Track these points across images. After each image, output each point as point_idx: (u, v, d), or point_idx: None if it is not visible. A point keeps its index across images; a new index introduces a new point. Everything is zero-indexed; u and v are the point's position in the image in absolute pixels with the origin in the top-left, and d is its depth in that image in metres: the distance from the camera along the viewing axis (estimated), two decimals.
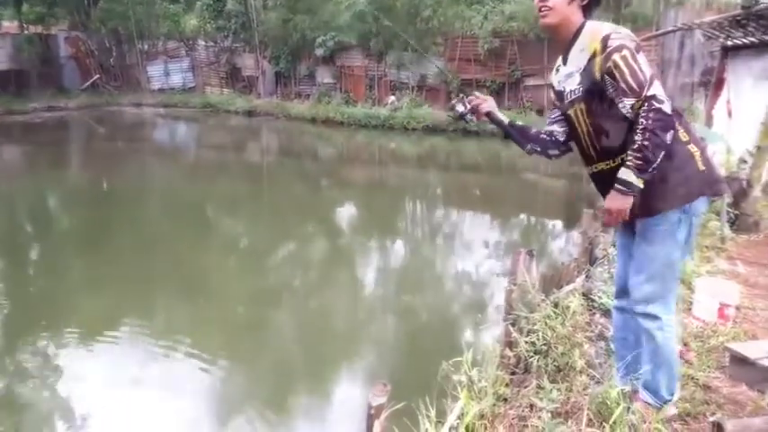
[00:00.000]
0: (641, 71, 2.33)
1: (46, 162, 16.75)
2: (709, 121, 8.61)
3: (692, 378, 3.37)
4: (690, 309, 4.17)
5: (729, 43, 8.46)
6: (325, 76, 23.92)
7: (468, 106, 2.95)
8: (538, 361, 3.36)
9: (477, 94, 3.00)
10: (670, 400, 2.82)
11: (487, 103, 2.97)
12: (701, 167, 2.46)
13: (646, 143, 2.30)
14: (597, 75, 2.44)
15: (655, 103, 2.30)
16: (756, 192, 6.37)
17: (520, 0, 19.62)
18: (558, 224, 10.33)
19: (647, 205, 2.51)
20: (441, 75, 20.95)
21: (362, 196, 13.28)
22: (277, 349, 6.11)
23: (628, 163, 2.36)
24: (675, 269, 2.68)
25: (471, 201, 12.76)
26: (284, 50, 24.28)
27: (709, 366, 3.48)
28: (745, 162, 6.56)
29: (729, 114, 8.42)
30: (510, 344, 3.53)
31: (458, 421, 2.72)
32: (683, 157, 2.45)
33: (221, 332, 6.37)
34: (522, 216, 11.16)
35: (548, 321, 3.62)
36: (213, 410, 4.97)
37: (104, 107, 25.97)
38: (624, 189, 2.39)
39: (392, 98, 21.80)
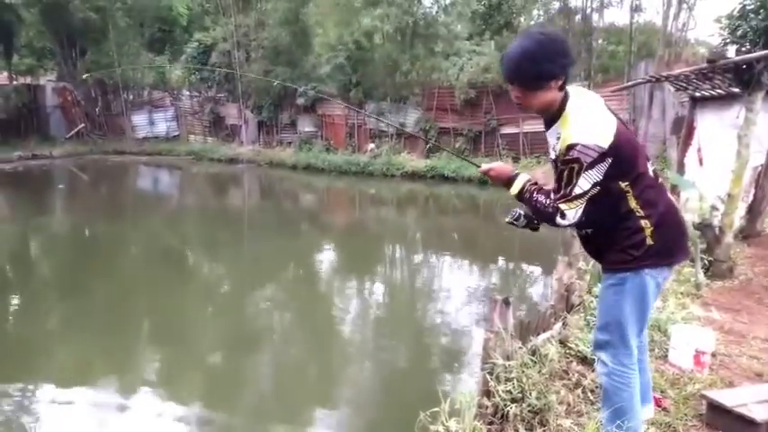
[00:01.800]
0: (574, 186, 2.47)
1: (27, 209, 16.46)
2: (681, 168, 8.73)
3: (670, 426, 3.29)
4: (666, 356, 4.11)
5: (698, 94, 8.66)
6: (306, 125, 24.11)
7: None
8: (514, 408, 3.26)
9: None
10: None
11: None
12: (650, 242, 2.58)
13: (537, 206, 2.63)
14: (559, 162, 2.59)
15: (558, 212, 2.54)
16: (729, 238, 6.41)
17: (494, 53, 20.10)
18: (537, 270, 10.30)
19: (604, 262, 2.77)
20: (419, 122, 21.24)
21: (342, 240, 13.19)
22: (253, 397, 5.90)
23: (530, 187, 2.65)
24: (624, 326, 2.70)
25: (449, 245, 12.73)
26: (267, 100, 24.48)
27: (686, 414, 3.41)
28: (716, 209, 6.61)
29: (701, 162, 8.56)
30: (488, 393, 3.42)
31: None
32: (634, 229, 2.59)
33: (197, 380, 6.19)
34: (501, 261, 11.13)
35: (524, 369, 3.54)
36: None
37: (88, 155, 25.80)
38: (508, 183, 2.73)
39: (372, 145, 21.98)
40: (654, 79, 8.63)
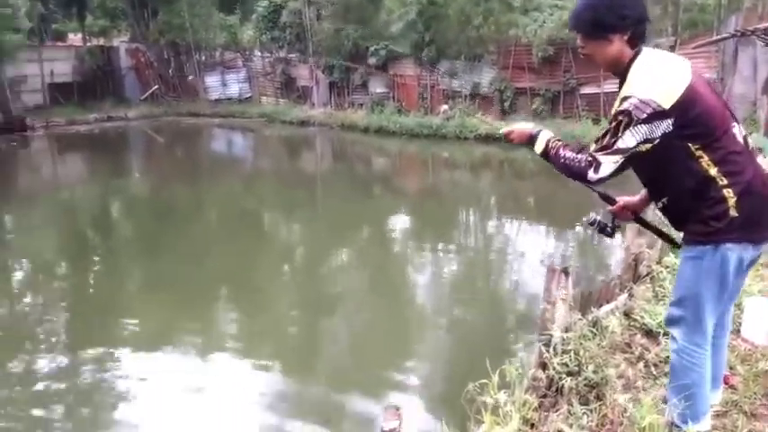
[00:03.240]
0: (618, 140, 2.40)
1: (107, 170, 17.52)
2: None
3: (736, 404, 3.24)
4: (738, 330, 4.01)
5: None
6: (377, 86, 24.12)
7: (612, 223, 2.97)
8: (569, 382, 3.30)
9: (622, 199, 3.01)
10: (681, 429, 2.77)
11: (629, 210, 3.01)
12: (733, 213, 2.44)
13: (565, 161, 2.57)
14: None
15: (592, 163, 2.46)
16: None
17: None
18: (617, 239, 10.07)
19: (684, 232, 2.67)
20: (494, 82, 20.81)
21: (415, 204, 13.34)
22: (328, 358, 6.25)
23: (555, 143, 2.62)
24: (700, 303, 2.63)
25: (525, 210, 12.62)
26: (338, 60, 24.63)
27: (755, 393, 3.34)
28: None
29: None
30: (543, 365, 3.48)
31: None
32: (715, 198, 2.46)
33: (274, 341, 6.58)
34: (578, 228, 10.93)
35: (583, 341, 3.57)
36: (266, 419, 5.06)
37: (163, 117, 26.94)
38: (531, 141, 2.72)
39: (445, 107, 21.76)
40: (740, 34, 8.10)
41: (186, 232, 10.74)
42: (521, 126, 2.83)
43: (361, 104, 24.35)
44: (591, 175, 2.47)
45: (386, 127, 21.80)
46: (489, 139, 19.51)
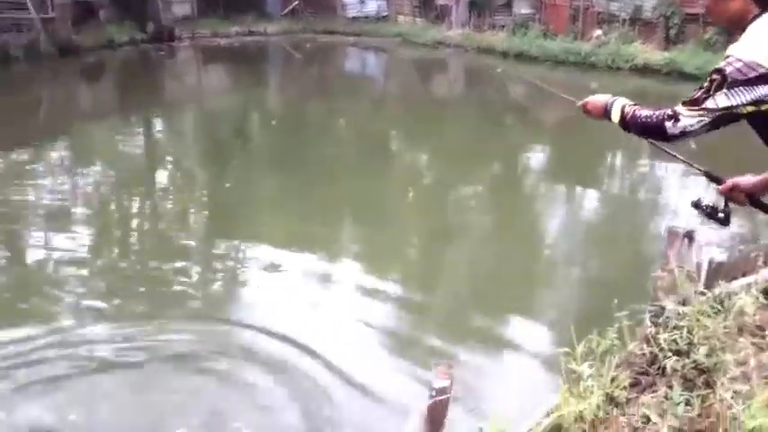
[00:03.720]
0: (708, 98, 2.11)
1: (246, 83, 18.28)
2: None
3: None
4: None
5: None
6: (523, 6, 22.86)
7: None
8: (675, 362, 2.95)
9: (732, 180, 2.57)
10: None
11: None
12: None
13: (642, 120, 2.28)
14: None
15: (672, 116, 2.19)
16: None
17: None
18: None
19: None
20: (660, 6, 18.89)
21: (553, 138, 12.77)
22: (449, 283, 6.27)
23: (630, 108, 2.33)
24: None
25: (680, 154, 11.55)
26: None
27: None
28: None
29: None
30: (647, 339, 3.13)
31: (547, 420, 2.49)
32: None
33: (395, 260, 6.70)
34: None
35: (700, 318, 3.16)
36: (384, 338, 5.09)
37: (300, 34, 27.44)
38: (606, 112, 2.41)
39: (598, 32, 20.19)
40: None
41: (316, 148, 11.02)
42: (595, 96, 2.52)
43: (503, 26, 23.22)
44: (669, 127, 2.18)
45: (527, 52, 20.69)
46: (646, 70, 18.00)
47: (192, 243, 7.18)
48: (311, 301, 5.66)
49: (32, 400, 4.00)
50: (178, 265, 6.32)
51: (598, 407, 2.62)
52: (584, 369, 2.73)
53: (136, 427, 3.89)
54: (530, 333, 5.19)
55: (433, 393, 2.25)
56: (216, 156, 10.86)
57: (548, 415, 2.54)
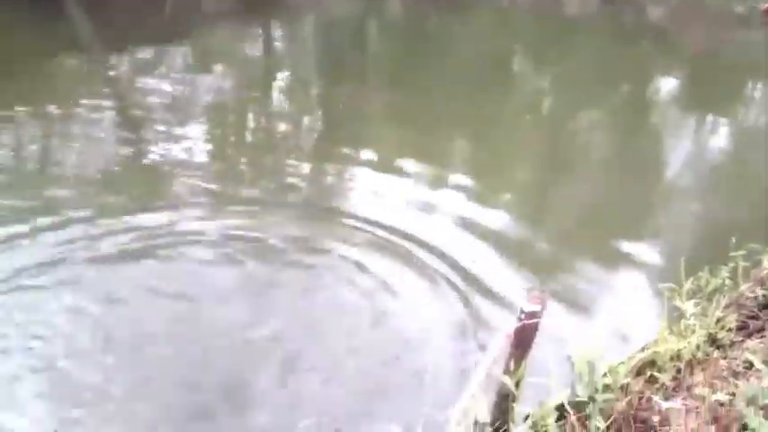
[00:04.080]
0: None
1: None
2: None
3: None
4: None
5: None
6: None
7: None
8: None
9: None
10: None
11: None
12: None
13: None
14: None
15: None
16: None
17: None
18: None
19: None
20: None
21: (691, 67, 11.89)
22: (561, 213, 6.10)
23: None
24: None
25: None
26: None
27: None
28: None
29: None
30: (762, 281, 2.99)
31: (640, 354, 2.47)
32: None
33: (505, 184, 6.63)
34: None
35: None
36: (496, 245, 5.10)
37: None
38: None
39: None
40: None
41: (434, 62, 10.80)
42: None
43: None
44: None
45: None
46: None
47: (308, 143, 7.51)
48: (424, 202, 5.79)
49: (178, 274, 4.39)
50: (292, 161, 6.64)
51: (698, 347, 2.56)
52: (689, 307, 2.65)
53: (259, 299, 4.19)
54: (637, 264, 5.04)
55: (522, 317, 2.28)
56: (334, 64, 10.93)
57: (642, 350, 2.51)
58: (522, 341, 2.32)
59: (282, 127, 8.14)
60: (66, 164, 6.20)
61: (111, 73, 9.26)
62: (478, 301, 4.26)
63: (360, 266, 4.60)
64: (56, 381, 3.32)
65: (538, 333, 2.33)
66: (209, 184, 5.90)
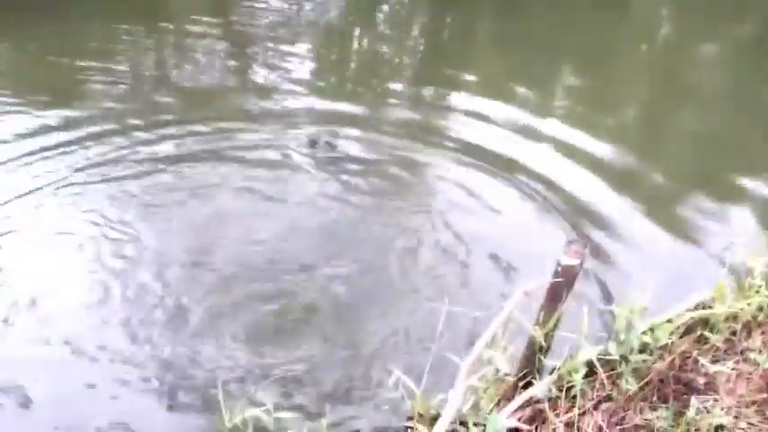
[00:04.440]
0: None
1: None
2: None
3: None
4: None
5: None
6: None
7: None
8: None
9: None
10: None
11: None
12: None
13: None
14: None
15: None
16: None
17: None
18: None
19: None
20: None
21: None
22: (665, 146, 5.77)
23: None
24: None
25: None
26: None
27: None
28: None
29: None
30: None
31: (690, 313, 2.33)
32: None
33: (615, 116, 6.29)
34: None
35: None
36: (603, 184, 4.86)
37: None
38: None
39: None
40: None
41: None
42: None
43: None
44: None
45: None
46: None
47: (413, 65, 7.37)
48: (531, 128, 5.59)
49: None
50: (395, 86, 6.61)
51: (760, 308, 2.37)
52: (759, 265, 2.44)
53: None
54: (750, 200, 4.66)
55: (559, 269, 2.18)
56: None
57: (696, 308, 2.36)
58: (555, 295, 2.24)
59: (387, 48, 7.98)
60: (177, 76, 6.45)
61: None
62: (588, 229, 4.13)
63: (463, 188, 4.56)
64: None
65: (573, 286, 2.23)
66: (313, 98, 6.00)
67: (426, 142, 5.24)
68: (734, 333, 2.36)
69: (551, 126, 5.67)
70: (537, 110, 6.03)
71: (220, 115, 5.36)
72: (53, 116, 5.04)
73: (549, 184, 4.62)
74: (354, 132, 5.28)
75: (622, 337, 2.15)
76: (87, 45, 6.76)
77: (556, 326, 2.30)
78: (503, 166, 4.85)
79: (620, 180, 4.80)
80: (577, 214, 4.30)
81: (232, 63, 6.87)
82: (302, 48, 7.40)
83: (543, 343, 2.26)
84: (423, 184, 4.67)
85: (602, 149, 5.27)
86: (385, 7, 9.71)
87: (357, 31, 8.66)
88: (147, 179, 4.36)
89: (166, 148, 4.79)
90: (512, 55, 7.56)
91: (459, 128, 5.56)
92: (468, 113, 5.90)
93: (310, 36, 7.92)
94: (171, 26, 7.64)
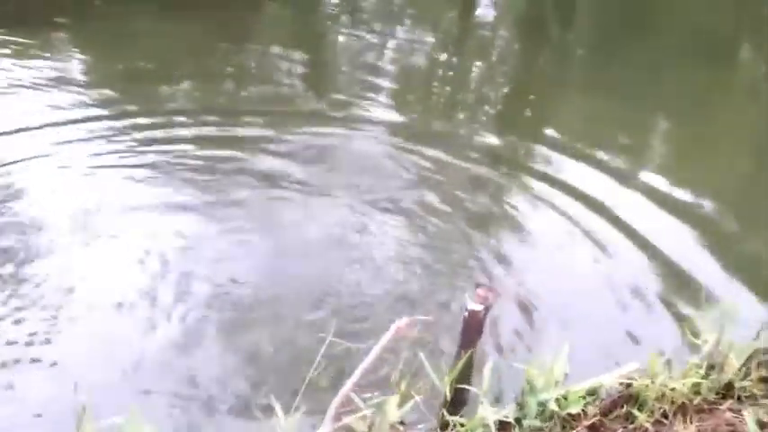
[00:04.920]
0: None
1: None
2: None
3: None
4: None
5: None
6: None
7: None
8: None
9: None
10: None
11: None
12: None
13: None
14: None
15: None
16: None
17: None
18: None
19: None
20: None
21: None
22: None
23: None
24: None
25: None
26: None
27: None
28: None
29: None
30: None
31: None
32: None
33: (707, 181, 5.82)
34: None
35: None
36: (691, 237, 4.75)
37: None
38: None
39: None
40: None
41: (642, 36, 9.79)
42: None
43: None
44: None
45: None
46: None
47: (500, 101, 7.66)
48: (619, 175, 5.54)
49: None
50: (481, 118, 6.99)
51: (697, 391, 2.15)
52: (707, 334, 2.22)
53: None
54: None
55: (466, 315, 2.09)
56: (534, 30, 10.42)
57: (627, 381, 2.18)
58: (466, 342, 2.14)
59: (474, 79, 8.24)
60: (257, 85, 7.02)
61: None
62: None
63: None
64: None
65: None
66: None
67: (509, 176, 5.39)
68: (665, 416, 2.14)
69: (641, 175, 5.68)
70: (626, 157, 5.98)
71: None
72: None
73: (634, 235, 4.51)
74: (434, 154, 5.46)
75: (520, 399, 2.01)
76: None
77: (469, 377, 2.19)
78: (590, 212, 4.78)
79: (712, 236, 4.64)
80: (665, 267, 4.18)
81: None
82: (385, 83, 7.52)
83: (448, 395, 2.15)
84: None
85: (694, 203, 5.22)
86: (474, 43, 9.83)
87: (440, 72, 8.68)
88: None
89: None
90: (602, 99, 7.42)
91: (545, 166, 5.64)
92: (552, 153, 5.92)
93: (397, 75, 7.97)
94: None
